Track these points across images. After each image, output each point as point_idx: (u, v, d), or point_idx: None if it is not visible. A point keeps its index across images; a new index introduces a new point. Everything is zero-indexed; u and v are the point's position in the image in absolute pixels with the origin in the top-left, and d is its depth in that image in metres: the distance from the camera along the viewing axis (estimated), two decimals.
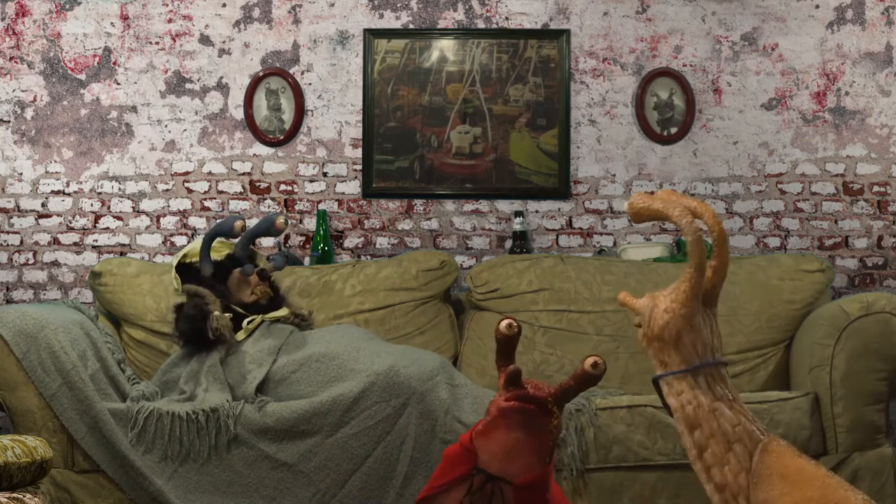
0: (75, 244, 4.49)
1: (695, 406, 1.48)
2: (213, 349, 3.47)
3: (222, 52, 4.51)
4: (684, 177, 4.48)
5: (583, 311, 3.88)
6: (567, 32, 4.47)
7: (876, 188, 4.46)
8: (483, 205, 4.50)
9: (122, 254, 4.48)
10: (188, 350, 3.54)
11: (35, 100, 4.50)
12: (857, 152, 4.47)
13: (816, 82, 4.48)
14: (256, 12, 4.51)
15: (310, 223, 4.48)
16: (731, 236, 4.48)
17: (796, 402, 3.31)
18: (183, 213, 4.49)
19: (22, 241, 4.49)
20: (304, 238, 4.48)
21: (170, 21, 4.51)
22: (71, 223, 4.49)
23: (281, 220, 3.64)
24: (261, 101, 4.49)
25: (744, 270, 3.88)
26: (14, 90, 4.50)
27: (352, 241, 4.49)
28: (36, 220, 4.50)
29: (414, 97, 4.48)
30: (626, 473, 3.23)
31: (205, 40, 4.52)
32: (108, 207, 4.49)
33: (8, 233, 4.49)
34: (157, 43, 4.51)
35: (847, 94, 4.47)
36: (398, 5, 4.50)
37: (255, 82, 4.48)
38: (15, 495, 2.34)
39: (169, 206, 4.49)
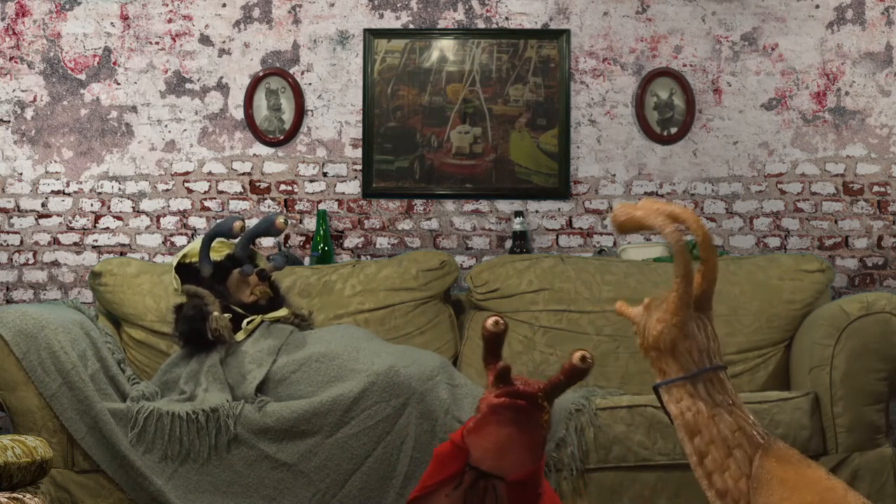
0: (75, 244, 4.49)
1: (694, 413, 1.48)
2: (213, 349, 3.47)
3: (222, 52, 4.51)
4: (684, 177, 4.48)
5: (583, 311, 3.88)
6: (567, 32, 4.47)
7: (876, 188, 4.46)
8: (483, 205, 4.50)
9: (122, 254, 4.48)
10: (188, 350, 3.54)
11: (35, 100, 4.50)
12: (857, 152, 4.47)
13: (816, 82, 4.48)
14: (256, 12, 4.51)
15: (310, 223, 4.48)
16: (731, 236, 4.48)
17: (796, 402, 3.31)
18: (183, 213, 4.49)
19: (22, 241, 4.49)
20: (304, 238, 4.48)
21: (170, 21, 4.51)
22: (71, 223, 4.49)
23: (281, 219, 3.64)
24: (261, 101, 4.49)
25: (744, 270, 3.88)
26: (14, 90, 4.50)
27: (352, 241, 4.49)
28: (36, 220, 4.50)
29: (414, 97, 4.48)
30: (626, 473, 3.23)
31: (205, 40, 4.52)
32: (108, 207, 4.50)
33: (8, 233, 4.49)
34: (157, 43, 4.51)
35: (847, 94, 4.48)
36: (398, 5, 4.50)
37: (255, 82, 4.48)
38: (15, 495, 2.34)
39: (169, 206, 4.49)
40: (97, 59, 4.51)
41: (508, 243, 4.47)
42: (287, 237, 4.48)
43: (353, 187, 4.50)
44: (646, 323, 1.54)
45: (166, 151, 4.50)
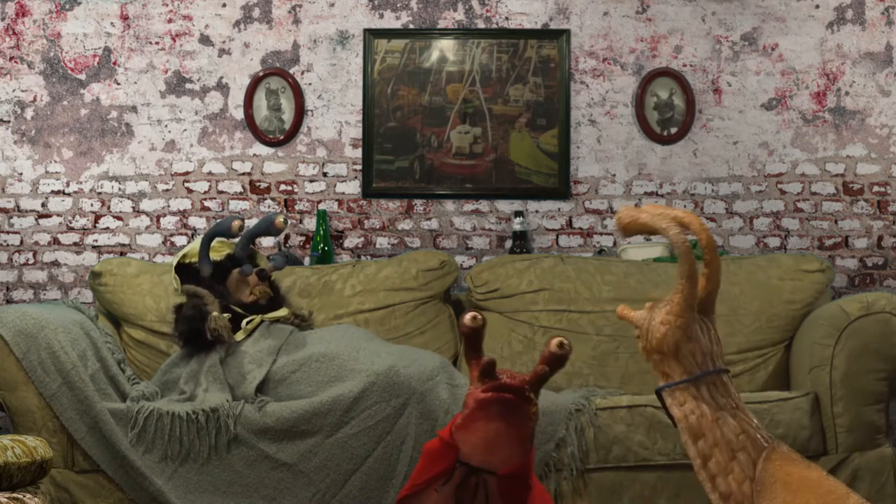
0: (75, 244, 4.49)
1: (698, 416, 1.48)
2: (213, 349, 3.47)
3: (222, 52, 4.51)
4: (684, 177, 4.48)
5: (583, 311, 3.88)
6: (567, 32, 4.47)
7: (876, 188, 4.46)
8: (483, 205, 4.50)
9: (122, 254, 4.48)
10: (188, 350, 3.54)
11: (35, 100, 4.50)
12: (857, 152, 4.47)
13: (816, 82, 4.48)
14: (256, 12, 4.51)
15: (310, 223, 4.48)
16: (731, 236, 4.48)
17: (796, 402, 3.31)
18: (183, 213, 4.49)
19: (22, 241, 4.49)
20: (304, 238, 4.48)
21: (170, 21, 4.51)
22: (71, 223, 4.49)
23: (281, 219, 3.64)
24: (261, 101, 4.49)
25: (744, 270, 3.88)
26: (14, 90, 4.50)
27: (352, 241, 4.49)
28: (36, 220, 4.50)
29: (414, 97, 4.48)
30: (626, 473, 3.23)
31: (205, 40, 4.52)
32: (108, 207, 4.49)
33: (8, 233, 4.49)
34: (157, 43, 4.51)
35: (847, 94, 4.48)
36: (398, 5, 4.50)
37: (255, 82, 4.48)
38: (15, 495, 2.34)
39: (169, 206, 4.49)
40: (97, 59, 4.51)
41: (508, 243, 4.47)
42: (287, 237, 4.47)
43: (353, 187, 4.50)
44: (649, 326, 1.55)
45: (166, 151, 4.50)
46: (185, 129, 4.50)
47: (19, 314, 3.26)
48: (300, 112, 4.48)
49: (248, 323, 3.57)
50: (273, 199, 4.50)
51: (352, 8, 4.51)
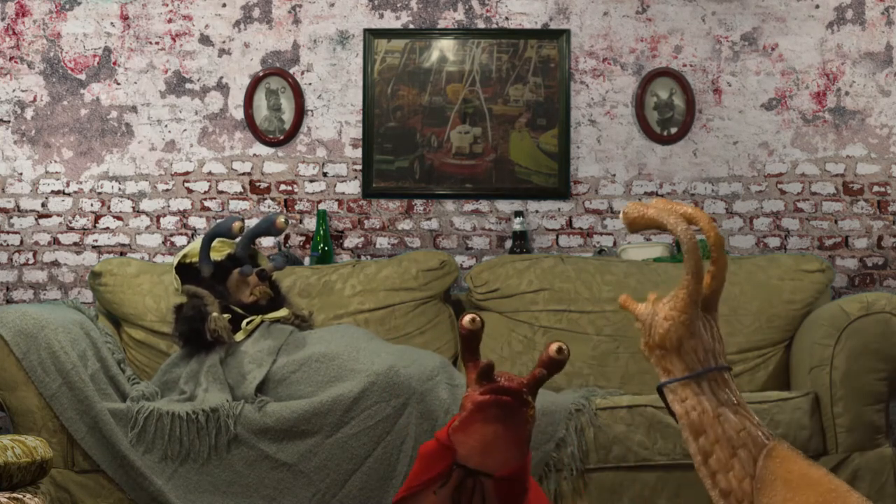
0: (75, 244, 4.49)
1: (699, 412, 1.48)
2: (213, 350, 3.47)
3: (222, 52, 4.51)
4: (684, 177, 4.48)
5: (583, 311, 3.88)
6: (567, 32, 4.47)
7: (876, 188, 4.46)
8: (483, 205, 4.50)
9: (122, 254, 4.48)
10: (188, 350, 3.54)
11: (35, 100, 4.50)
12: (857, 152, 4.47)
13: (816, 82, 4.48)
14: (256, 12, 4.51)
15: (310, 223, 4.48)
16: (731, 236, 4.48)
17: (796, 402, 3.31)
18: (183, 213, 4.49)
19: (22, 241, 4.49)
20: (304, 238, 4.48)
21: (170, 21, 4.51)
22: (71, 223, 4.49)
23: (281, 219, 3.64)
24: (261, 101, 4.49)
25: (744, 270, 3.88)
26: (14, 90, 4.50)
27: (352, 241, 4.49)
28: (36, 220, 4.50)
29: (414, 97, 4.48)
30: (626, 473, 3.23)
31: (205, 40, 4.52)
32: (108, 207, 4.49)
33: (8, 233, 4.49)
34: (157, 43, 4.51)
35: (847, 94, 4.48)
36: (398, 5, 4.50)
37: (255, 82, 4.48)
38: (15, 495, 2.34)
39: (169, 206, 4.49)
40: (97, 59, 4.51)
41: (508, 243, 4.47)
42: (287, 237, 4.47)
43: (353, 187, 4.50)
44: (652, 321, 1.54)
45: (166, 151, 4.50)
46: (185, 129, 4.50)
47: (19, 314, 3.26)
48: (300, 112, 4.48)
49: (248, 323, 3.57)
50: (273, 199, 4.50)
51: (352, 8, 4.51)
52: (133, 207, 4.50)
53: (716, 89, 4.48)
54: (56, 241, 4.49)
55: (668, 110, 4.47)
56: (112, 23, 4.51)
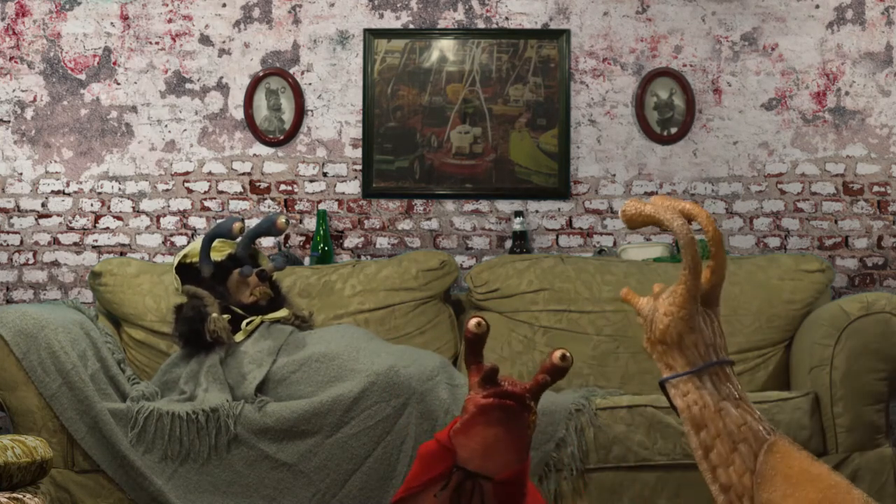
0: (75, 244, 4.49)
1: (701, 406, 1.48)
2: (213, 350, 3.47)
3: (222, 52, 4.51)
4: (684, 177, 4.48)
5: (583, 311, 3.88)
6: (567, 32, 4.47)
7: (876, 188, 4.46)
8: (483, 205, 4.50)
9: (122, 254, 4.48)
10: (188, 351, 3.54)
11: (35, 100, 4.50)
12: (857, 152, 4.47)
13: (816, 82, 4.48)
14: (256, 12, 4.51)
15: (310, 223, 4.48)
16: (731, 236, 4.48)
17: (796, 402, 3.31)
18: (183, 213, 4.49)
19: (22, 241, 4.49)
20: (304, 238, 4.48)
21: (170, 21, 4.51)
22: (71, 223, 4.49)
23: (282, 219, 3.64)
24: (261, 101, 4.49)
25: (744, 270, 3.88)
26: (14, 90, 4.50)
27: (352, 241, 4.49)
28: (36, 220, 4.50)
29: (414, 97, 4.48)
30: (626, 473, 3.23)
31: (205, 40, 4.52)
32: (108, 207, 4.49)
33: (8, 233, 4.49)
34: (157, 43, 4.51)
35: (847, 94, 4.48)
36: (398, 5, 4.50)
37: (255, 82, 4.48)
38: (15, 495, 2.34)
39: (169, 206, 4.49)
40: (97, 59, 4.51)
41: (508, 243, 4.47)
42: (287, 237, 4.47)
43: (353, 187, 4.50)
44: (652, 316, 1.54)
45: (166, 151, 4.50)
46: (185, 129, 4.50)
47: (19, 314, 3.26)
48: (300, 112, 4.48)
49: (247, 324, 3.57)
50: (273, 199, 4.50)
51: (352, 8, 4.51)
52: (133, 207, 4.50)
53: (716, 89, 4.49)
54: (56, 241, 4.49)
55: (668, 110, 4.47)
56: (112, 23, 4.51)
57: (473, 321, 2.35)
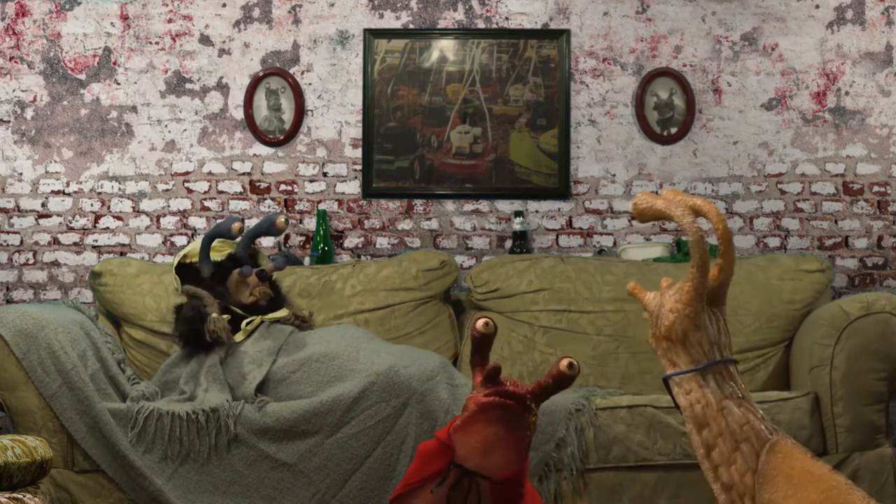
0: (75, 244, 4.49)
1: (703, 405, 1.48)
2: (213, 350, 3.47)
3: (222, 52, 4.51)
4: (684, 177, 4.48)
5: (583, 311, 3.88)
6: (567, 32, 4.47)
7: (876, 188, 4.46)
8: (483, 205, 4.50)
9: (122, 254, 4.48)
10: (188, 351, 3.54)
11: (35, 100, 4.50)
12: (857, 152, 4.47)
13: (816, 82, 4.48)
14: (256, 12, 4.51)
15: (310, 223, 4.48)
16: None
17: (796, 402, 3.31)
18: (183, 213, 4.49)
19: (22, 241, 4.49)
20: (304, 238, 4.48)
21: (170, 21, 4.51)
22: (71, 223, 4.49)
23: (282, 219, 3.64)
24: (261, 101, 4.49)
25: (744, 270, 3.88)
26: (14, 90, 4.50)
27: (352, 241, 4.49)
28: (36, 220, 4.50)
29: (414, 97, 4.48)
30: (626, 473, 3.23)
31: (205, 40, 4.52)
32: (108, 207, 4.49)
33: (8, 233, 4.49)
34: (157, 43, 4.51)
35: (847, 94, 4.48)
36: (398, 5, 4.50)
37: (255, 82, 4.48)
38: (15, 495, 2.34)
39: (169, 206, 4.49)
40: (97, 59, 4.51)
41: (508, 243, 4.47)
42: (287, 237, 4.47)
43: (353, 187, 4.50)
44: (658, 312, 1.54)
45: (166, 151, 4.50)
46: (185, 129, 4.50)
47: (19, 314, 3.26)
48: (300, 112, 4.48)
49: (247, 324, 3.57)
50: (273, 199, 4.50)
51: (352, 8, 4.51)
52: (133, 207, 4.50)
53: (716, 89, 4.49)
54: (56, 241, 4.49)
55: (668, 110, 4.47)
56: (112, 23, 4.51)
57: (481, 321, 2.35)
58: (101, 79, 4.51)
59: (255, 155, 4.51)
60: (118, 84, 4.51)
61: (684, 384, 1.50)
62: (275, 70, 4.48)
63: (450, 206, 4.50)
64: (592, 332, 3.85)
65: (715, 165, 4.48)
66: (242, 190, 4.50)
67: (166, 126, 4.50)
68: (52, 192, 4.49)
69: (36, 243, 4.49)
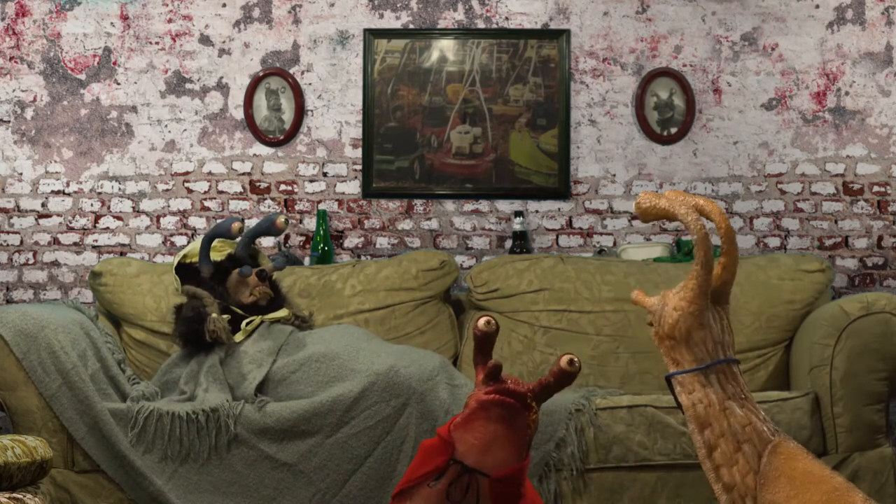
0: (75, 244, 4.49)
1: (706, 405, 1.48)
2: (213, 350, 3.47)
3: (222, 52, 4.51)
4: (684, 177, 4.48)
5: (583, 311, 3.88)
6: (567, 32, 4.47)
7: (876, 188, 4.46)
8: (483, 205, 4.50)
9: (122, 254, 4.47)
10: (188, 351, 3.54)
11: (35, 100, 4.50)
12: (857, 152, 4.47)
13: (816, 82, 4.48)
14: (256, 12, 4.51)
15: (310, 223, 4.48)
16: None
17: (796, 402, 3.31)
18: (183, 213, 4.49)
19: (22, 241, 4.49)
20: (304, 238, 4.48)
21: (170, 21, 4.51)
22: (71, 223, 4.49)
23: (282, 219, 3.64)
24: (261, 101, 4.49)
25: (744, 270, 3.88)
26: (14, 90, 4.50)
27: (352, 241, 4.49)
28: (36, 220, 4.49)
29: (414, 97, 4.48)
30: (626, 473, 3.23)
31: (205, 40, 4.52)
32: (108, 207, 4.49)
33: (8, 233, 4.49)
34: (157, 43, 4.51)
35: (847, 94, 4.48)
36: (398, 5, 4.50)
37: (255, 82, 4.48)
38: (15, 495, 2.34)
39: (169, 206, 4.49)
40: (97, 59, 4.51)
41: (508, 243, 4.47)
42: (287, 237, 4.47)
43: (353, 187, 4.50)
44: (662, 311, 1.54)
45: (166, 151, 4.50)
46: (185, 129, 4.50)
47: (19, 314, 3.26)
48: (300, 112, 4.48)
49: (247, 324, 3.57)
50: (273, 199, 4.50)
51: (352, 8, 4.51)
52: (133, 207, 4.50)
53: (716, 89, 4.49)
54: (56, 241, 4.49)
55: (668, 110, 4.47)
56: (112, 23, 4.51)
57: (483, 320, 2.35)
58: (101, 79, 4.51)
59: (255, 155, 4.51)
60: (118, 84, 4.51)
61: (687, 383, 1.50)
62: (275, 70, 4.48)
63: (450, 206, 4.50)
64: (592, 332, 3.85)
65: (715, 165, 4.48)
66: (242, 190, 4.50)
67: (166, 126, 4.50)
68: (52, 192, 4.49)
69: (36, 243, 4.49)
